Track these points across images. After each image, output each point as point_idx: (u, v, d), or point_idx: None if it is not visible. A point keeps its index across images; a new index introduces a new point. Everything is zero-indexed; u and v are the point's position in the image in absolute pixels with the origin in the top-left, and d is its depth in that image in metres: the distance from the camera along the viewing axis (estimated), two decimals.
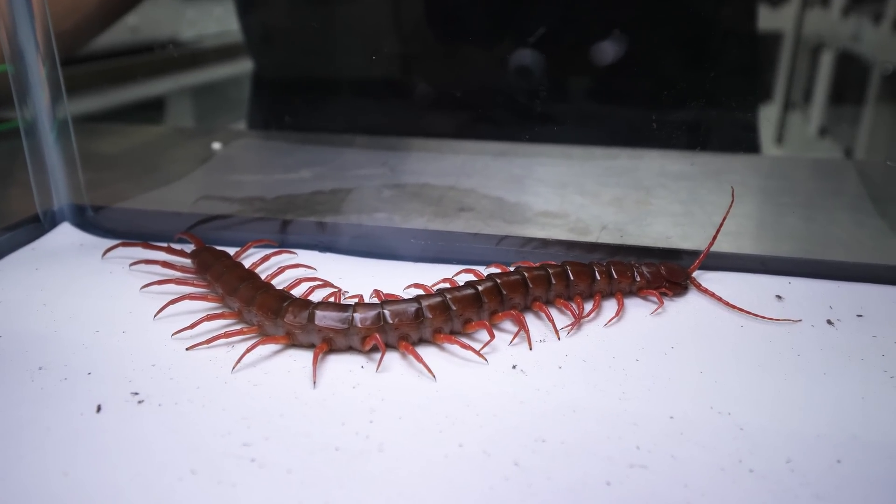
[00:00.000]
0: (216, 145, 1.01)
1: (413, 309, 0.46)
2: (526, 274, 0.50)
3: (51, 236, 0.65)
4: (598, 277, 0.51)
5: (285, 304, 0.47)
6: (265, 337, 0.46)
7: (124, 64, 1.04)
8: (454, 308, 0.47)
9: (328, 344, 0.45)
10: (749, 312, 0.50)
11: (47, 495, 0.33)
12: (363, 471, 0.35)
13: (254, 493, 0.33)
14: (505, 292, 0.49)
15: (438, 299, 0.47)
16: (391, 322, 0.45)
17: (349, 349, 0.46)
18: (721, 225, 0.54)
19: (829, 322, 0.49)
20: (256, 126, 1.10)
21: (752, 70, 0.92)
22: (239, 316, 0.49)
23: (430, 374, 0.43)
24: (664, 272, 0.52)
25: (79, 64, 0.78)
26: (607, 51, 0.80)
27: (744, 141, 0.83)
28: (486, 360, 0.45)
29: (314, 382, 0.43)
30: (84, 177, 0.68)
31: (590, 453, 0.36)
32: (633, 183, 0.81)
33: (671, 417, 0.40)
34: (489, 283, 0.49)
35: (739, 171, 0.84)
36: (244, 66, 1.12)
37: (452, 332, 0.47)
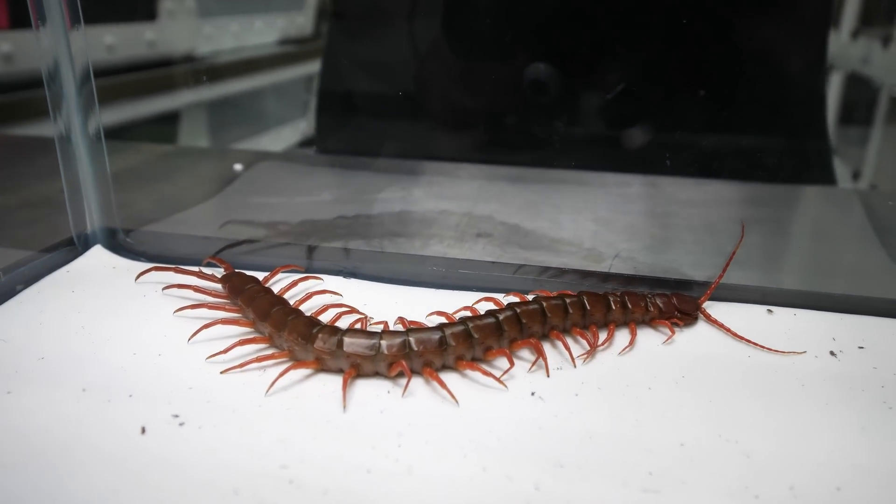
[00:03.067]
0: (238, 167, 1.04)
1: (437, 337, 0.49)
2: (544, 304, 0.53)
3: (84, 259, 0.68)
4: (613, 307, 0.54)
5: (315, 330, 0.50)
6: (296, 362, 0.49)
7: (142, 78, 1.06)
8: (476, 336, 0.49)
9: (356, 369, 0.48)
10: (756, 344, 0.52)
11: None
12: (394, 492, 0.37)
13: None
14: (524, 321, 0.51)
15: (461, 328, 0.50)
16: (416, 349, 0.48)
17: (375, 374, 0.49)
18: (731, 258, 0.57)
19: (832, 353, 0.52)
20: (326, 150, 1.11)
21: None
22: (270, 340, 0.52)
23: (453, 400, 0.46)
24: (675, 303, 0.55)
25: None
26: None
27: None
28: (505, 386, 0.47)
29: (344, 406, 0.45)
30: (115, 199, 0.71)
31: (606, 478, 0.39)
32: (647, 209, 0.83)
33: (682, 444, 0.42)
34: (509, 313, 0.51)
35: (750, 200, 0.86)
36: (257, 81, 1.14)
37: (474, 359, 0.50)
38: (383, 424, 0.43)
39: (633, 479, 0.39)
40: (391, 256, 0.69)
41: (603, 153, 0.90)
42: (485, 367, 0.49)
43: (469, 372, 0.49)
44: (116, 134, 0.78)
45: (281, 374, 0.47)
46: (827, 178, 0.94)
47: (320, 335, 0.49)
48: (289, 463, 0.39)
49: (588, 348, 0.51)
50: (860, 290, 0.58)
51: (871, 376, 0.49)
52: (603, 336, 0.53)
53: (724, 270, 0.57)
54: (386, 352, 0.48)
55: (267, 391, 0.46)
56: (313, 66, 1.18)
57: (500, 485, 0.38)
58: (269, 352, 0.51)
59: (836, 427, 0.44)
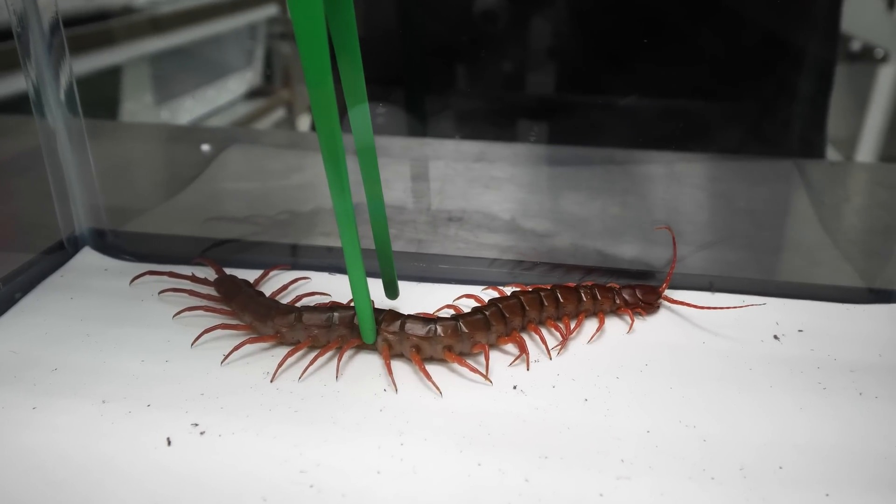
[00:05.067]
0: (205, 147, 1.05)
1: (428, 328, 0.54)
2: (522, 298, 0.58)
3: (75, 262, 0.70)
4: (584, 299, 0.59)
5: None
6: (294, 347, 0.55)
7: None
8: (466, 331, 0.54)
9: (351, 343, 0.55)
10: (719, 308, 0.60)
11: None
12: (404, 493, 0.42)
13: None
14: (507, 316, 0.56)
15: (451, 323, 0.55)
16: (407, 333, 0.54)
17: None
18: (674, 255, 0.63)
19: (775, 337, 0.58)
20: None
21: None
22: (278, 338, 0.56)
23: (437, 391, 0.51)
24: (639, 294, 0.60)
25: None
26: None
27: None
28: (490, 381, 0.53)
29: (337, 376, 0.52)
30: (102, 199, 0.73)
31: (584, 467, 0.45)
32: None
33: (648, 431, 0.48)
34: (494, 309, 0.56)
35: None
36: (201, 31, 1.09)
37: (461, 354, 0.55)
38: (384, 423, 0.48)
39: (607, 466, 0.45)
40: (371, 254, 0.73)
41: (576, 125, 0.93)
42: (471, 362, 0.54)
43: (456, 366, 0.54)
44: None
45: (315, 358, 0.54)
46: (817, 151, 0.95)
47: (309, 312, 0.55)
48: (307, 468, 0.44)
49: (560, 339, 0.57)
50: (802, 277, 0.65)
51: (809, 358, 0.56)
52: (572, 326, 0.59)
53: (673, 260, 0.62)
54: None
55: (301, 376, 0.53)
56: (257, 13, 1.17)
57: (494, 479, 0.43)
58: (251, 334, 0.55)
59: (779, 408, 0.50)
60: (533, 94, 0.94)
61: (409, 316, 0.55)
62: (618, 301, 0.60)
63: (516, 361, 0.55)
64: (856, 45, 1.02)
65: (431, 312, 0.59)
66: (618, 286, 0.61)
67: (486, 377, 0.53)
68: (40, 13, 0.64)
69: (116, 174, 0.82)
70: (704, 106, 0.90)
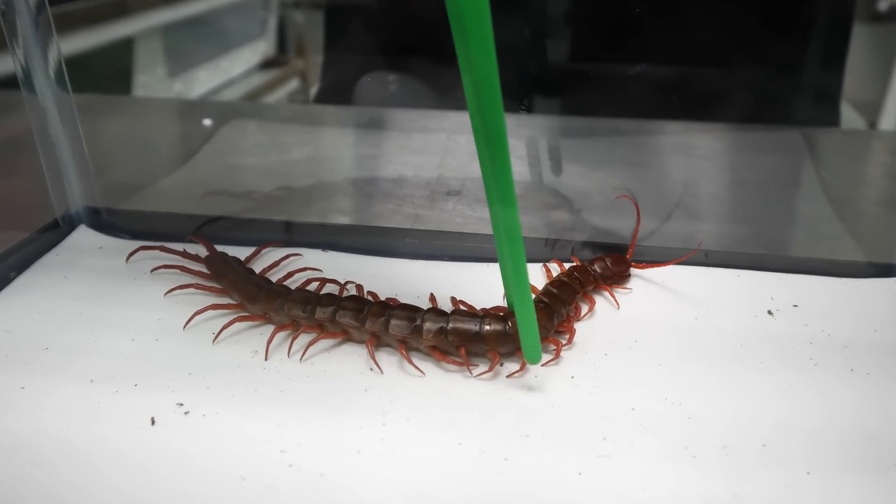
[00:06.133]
0: (207, 121, 1.05)
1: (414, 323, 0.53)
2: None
3: (70, 240, 0.70)
4: (577, 291, 0.58)
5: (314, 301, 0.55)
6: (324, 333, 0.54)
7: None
8: (451, 339, 0.52)
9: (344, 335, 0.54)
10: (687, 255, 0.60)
11: None
12: (382, 473, 0.42)
13: (295, 497, 0.41)
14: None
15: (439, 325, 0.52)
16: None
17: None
18: (637, 222, 0.62)
19: (769, 313, 0.57)
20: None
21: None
22: (265, 319, 0.57)
23: (419, 372, 0.51)
24: (610, 264, 0.60)
25: None
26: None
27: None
28: (471, 373, 0.51)
29: (302, 358, 0.52)
30: (95, 176, 0.73)
31: (565, 446, 0.45)
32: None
33: (633, 409, 0.48)
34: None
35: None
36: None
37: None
38: (368, 402, 0.49)
39: (589, 445, 0.45)
40: (365, 230, 0.73)
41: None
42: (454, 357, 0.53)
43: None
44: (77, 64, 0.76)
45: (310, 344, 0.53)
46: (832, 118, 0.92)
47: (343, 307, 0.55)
48: (287, 447, 0.44)
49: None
50: (798, 251, 0.64)
51: (802, 334, 0.55)
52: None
53: (637, 226, 0.62)
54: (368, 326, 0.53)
55: (302, 356, 0.53)
56: None
57: (474, 458, 0.43)
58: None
59: (767, 385, 0.50)
60: (538, 64, 0.92)
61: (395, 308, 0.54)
62: (596, 278, 0.59)
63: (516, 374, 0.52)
64: (883, 5, 0.98)
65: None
66: (588, 263, 0.60)
67: (468, 367, 0.51)
68: None
69: (111, 151, 0.82)
70: (714, 73, 0.88)
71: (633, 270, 0.62)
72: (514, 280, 0.46)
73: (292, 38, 1.30)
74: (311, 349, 0.54)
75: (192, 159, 0.85)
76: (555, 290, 0.56)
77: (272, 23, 1.26)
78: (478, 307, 0.56)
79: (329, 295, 0.56)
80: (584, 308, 0.58)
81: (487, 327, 0.52)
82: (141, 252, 0.66)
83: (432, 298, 0.58)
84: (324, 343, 0.54)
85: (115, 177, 0.79)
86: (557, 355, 0.52)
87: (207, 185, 0.82)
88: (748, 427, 0.46)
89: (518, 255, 0.45)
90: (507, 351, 0.52)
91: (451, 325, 0.52)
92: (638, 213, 0.62)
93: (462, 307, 0.56)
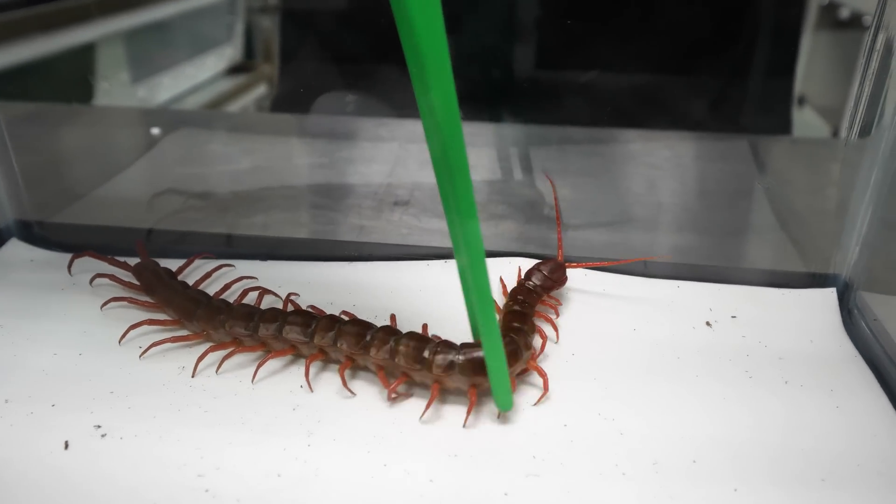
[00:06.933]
0: (155, 130, 1.02)
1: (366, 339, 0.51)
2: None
3: (1, 254, 0.68)
4: (529, 313, 0.55)
5: (256, 317, 0.53)
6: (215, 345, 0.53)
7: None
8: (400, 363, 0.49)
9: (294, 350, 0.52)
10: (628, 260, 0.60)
11: None
12: (300, 497, 0.41)
13: None
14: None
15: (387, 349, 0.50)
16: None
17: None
18: (558, 217, 0.62)
19: (707, 324, 0.57)
20: None
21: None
22: (204, 336, 0.55)
23: (350, 392, 0.49)
24: (546, 272, 0.58)
25: None
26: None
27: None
28: (394, 398, 0.49)
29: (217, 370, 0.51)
30: (26, 188, 0.71)
31: (493, 465, 0.43)
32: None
33: (565, 426, 0.47)
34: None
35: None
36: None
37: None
38: (295, 422, 0.47)
39: (518, 463, 0.44)
40: (304, 243, 0.72)
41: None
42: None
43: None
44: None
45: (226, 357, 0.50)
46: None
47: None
48: (205, 472, 0.43)
49: None
50: (736, 262, 0.63)
51: (740, 346, 0.54)
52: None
53: (558, 225, 0.61)
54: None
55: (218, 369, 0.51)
56: None
57: (398, 480, 0.42)
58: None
59: (702, 399, 0.49)
60: (490, 73, 0.91)
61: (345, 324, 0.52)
62: (541, 293, 0.58)
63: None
64: (844, 13, 0.99)
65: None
66: (524, 279, 0.58)
67: (394, 392, 0.49)
68: None
69: (47, 162, 0.79)
70: (665, 81, 0.88)
71: (570, 272, 0.60)
72: (481, 323, 0.44)
73: (260, 43, 1.28)
74: (240, 368, 0.52)
75: (127, 169, 0.83)
76: (516, 324, 0.52)
77: (239, 27, 1.24)
78: (422, 308, 0.55)
79: (273, 309, 0.54)
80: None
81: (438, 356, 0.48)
82: (77, 265, 0.64)
83: (392, 319, 0.56)
84: (251, 356, 0.53)
85: (49, 188, 0.76)
86: (546, 389, 0.49)
87: (144, 198, 0.80)
88: (679, 443, 0.45)
89: (484, 294, 0.42)
90: (456, 386, 0.49)
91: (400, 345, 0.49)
92: (557, 209, 0.61)
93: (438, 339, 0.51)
